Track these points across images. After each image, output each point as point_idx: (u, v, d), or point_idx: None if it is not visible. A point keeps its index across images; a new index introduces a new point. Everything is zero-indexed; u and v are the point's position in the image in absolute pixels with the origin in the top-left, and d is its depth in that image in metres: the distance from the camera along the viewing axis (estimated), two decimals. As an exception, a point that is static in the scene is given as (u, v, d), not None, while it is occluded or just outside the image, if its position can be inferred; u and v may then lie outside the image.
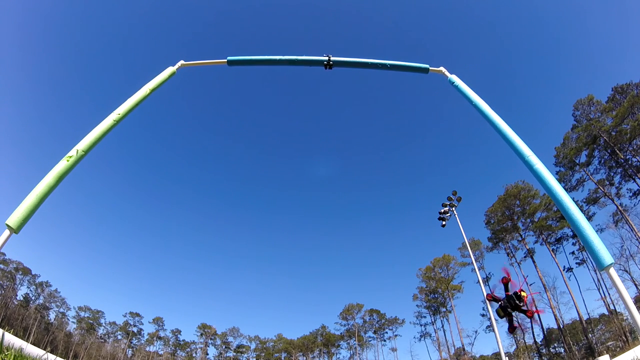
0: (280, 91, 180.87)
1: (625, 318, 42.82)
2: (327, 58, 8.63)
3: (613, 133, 42.28)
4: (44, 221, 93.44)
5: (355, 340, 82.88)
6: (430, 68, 8.98)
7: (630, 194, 43.43)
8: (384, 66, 8.94)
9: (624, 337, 41.65)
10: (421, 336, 72.55)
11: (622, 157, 41.72)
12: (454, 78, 8.51)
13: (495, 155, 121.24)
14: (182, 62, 8.51)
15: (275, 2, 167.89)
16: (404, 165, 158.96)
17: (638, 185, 41.99)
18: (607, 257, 5.21)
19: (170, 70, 8.11)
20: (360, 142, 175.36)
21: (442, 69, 8.93)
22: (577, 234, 5.55)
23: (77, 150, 6.68)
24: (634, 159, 41.81)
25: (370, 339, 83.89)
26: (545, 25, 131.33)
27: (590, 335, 46.20)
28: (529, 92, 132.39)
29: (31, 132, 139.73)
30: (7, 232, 6.44)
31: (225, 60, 8.68)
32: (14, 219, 6.52)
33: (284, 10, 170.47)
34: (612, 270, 5.29)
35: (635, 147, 41.27)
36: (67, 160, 6.60)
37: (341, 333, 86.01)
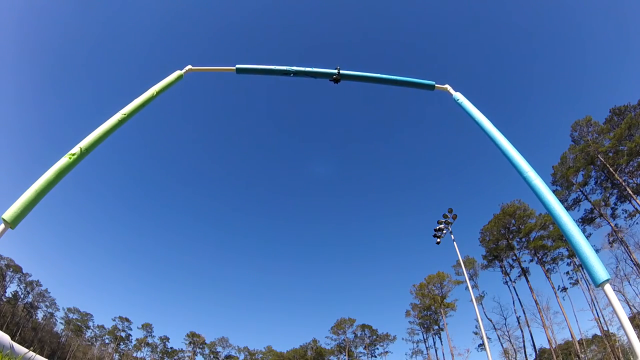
0: (281, 96, 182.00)
1: (618, 339, 42.67)
2: (336, 71, 8.66)
3: (610, 154, 42.68)
4: (39, 221, 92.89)
5: (345, 355, 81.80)
6: (436, 85, 9.06)
7: (626, 215, 43.66)
8: (390, 81, 9.00)
9: (616, 357, 41.47)
10: (412, 353, 71.93)
11: (618, 178, 42.04)
12: (458, 96, 8.57)
13: (491, 174, 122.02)
14: (189, 66, 8.49)
15: (286, 16, 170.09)
16: (400, 181, 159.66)
17: (633, 207, 42.25)
18: (602, 273, 5.19)
19: (177, 73, 8.09)
20: (357, 157, 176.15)
21: (447, 86, 8.99)
22: (573, 250, 5.57)
23: (80, 148, 6.66)
24: (630, 180, 42.14)
25: (361, 355, 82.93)
26: (544, 46, 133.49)
27: (582, 355, 45.90)
28: (527, 112, 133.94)
29: (43, 129, 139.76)
30: (2, 226, 6.37)
31: (234, 68, 8.68)
32: (10, 213, 6.45)
33: (295, 25, 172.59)
34: (607, 287, 5.28)
35: (631, 168, 41.64)
36: (70, 158, 6.57)
37: (332, 347, 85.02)
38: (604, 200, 45.41)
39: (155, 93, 7.42)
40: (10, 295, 74.45)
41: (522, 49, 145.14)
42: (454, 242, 28.48)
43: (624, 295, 42.00)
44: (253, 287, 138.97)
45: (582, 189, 46.86)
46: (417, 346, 71.65)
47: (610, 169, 42.55)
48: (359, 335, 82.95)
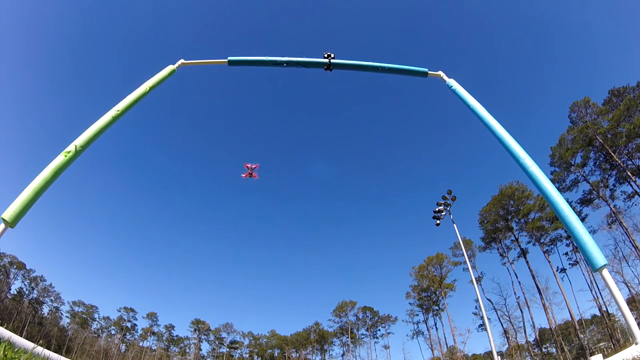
0: (277, 92, 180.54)
1: (617, 319, 43.21)
2: (327, 60, 8.59)
3: (609, 136, 42.53)
4: (40, 215, 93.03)
5: (348, 337, 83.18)
6: (429, 72, 9.02)
7: (625, 197, 43.63)
8: (383, 69, 8.95)
9: (615, 339, 42.12)
10: (414, 334, 72.94)
11: (617, 159, 42.00)
12: (452, 82, 8.54)
13: (490, 156, 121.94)
14: (182, 60, 8.37)
15: (277, 4, 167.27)
16: (399, 165, 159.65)
17: (632, 188, 42.30)
18: (600, 258, 5.27)
19: (170, 68, 7.97)
20: (357, 143, 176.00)
21: (440, 73, 8.96)
22: (571, 236, 5.62)
23: (75, 146, 6.64)
24: (629, 162, 42.09)
25: (363, 336, 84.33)
26: (543, 27, 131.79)
27: (582, 335, 46.63)
28: (526, 93, 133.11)
29: (32, 128, 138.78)
30: (2, 226, 6.38)
31: (226, 60, 8.59)
32: (9, 213, 6.46)
33: (286, 13, 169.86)
34: (605, 272, 5.36)
35: (630, 150, 41.55)
36: (65, 156, 6.55)
37: (334, 330, 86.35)
38: (602, 182, 45.41)
39: (148, 88, 7.31)
40: (15, 292, 75.02)
41: (517, 30, 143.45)
42: (454, 224, 28.60)
43: (622, 277, 42.39)
44: (256, 272, 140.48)
45: (580, 170, 46.83)
46: (418, 327, 72.66)
47: (609, 150, 42.45)
48: (360, 317, 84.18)
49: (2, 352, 5.45)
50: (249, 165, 22.21)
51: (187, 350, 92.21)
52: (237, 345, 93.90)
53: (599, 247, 5.60)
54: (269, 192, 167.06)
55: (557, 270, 49.99)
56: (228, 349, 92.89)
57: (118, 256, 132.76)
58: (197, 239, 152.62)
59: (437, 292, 66.12)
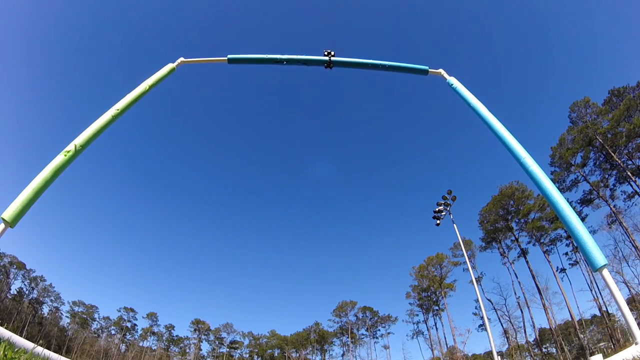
0: (278, 91, 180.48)
1: (617, 319, 43.17)
2: (327, 58, 8.58)
3: (609, 135, 42.49)
4: (40, 215, 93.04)
5: (348, 337, 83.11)
6: (430, 70, 9.00)
7: (625, 197, 43.62)
8: (383, 67, 8.93)
9: (615, 339, 42.09)
10: (414, 334, 72.91)
11: (617, 159, 41.96)
12: (452, 80, 8.52)
13: (490, 156, 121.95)
14: (182, 59, 8.36)
15: (277, 2, 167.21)
16: (399, 165, 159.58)
17: (632, 188, 42.27)
18: (600, 258, 5.26)
19: (169, 66, 7.97)
20: (358, 143, 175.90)
21: (441, 71, 8.95)
22: (571, 236, 5.60)
23: (75, 145, 6.63)
24: (629, 162, 42.05)
25: (363, 336, 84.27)
26: (543, 27, 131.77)
27: (582, 335, 46.59)
28: (526, 93, 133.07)
29: (31, 128, 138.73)
30: (2, 226, 6.37)
31: (226, 58, 8.59)
32: (9, 213, 6.45)
33: (286, 11, 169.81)
34: (605, 272, 5.35)
35: (630, 150, 41.51)
36: (65, 155, 6.55)
37: (334, 330, 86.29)
38: (602, 182, 45.37)
39: (148, 87, 7.31)
40: (15, 292, 74.94)
41: (518, 29, 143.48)
42: (454, 224, 28.52)
43: (622, 277, 42.36)
44: (257, 272, 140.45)
45: (580, 170, 46.77)
46: (418, 327, 72.64)
47: (609, 150, 42.41)
48: (360, 317, 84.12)
49: (2, 352, 5.43)
50: None
51: (187, 350, 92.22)
52: (237, 345, 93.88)
53: (599, 247, 5.58)
54: (269, 191, 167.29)
55: (557, 270, 49.99)
56: (228, 349, 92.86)
57: (118, 256, 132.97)
58: (197, 238, 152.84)
59: (437, 292, 66.08)
